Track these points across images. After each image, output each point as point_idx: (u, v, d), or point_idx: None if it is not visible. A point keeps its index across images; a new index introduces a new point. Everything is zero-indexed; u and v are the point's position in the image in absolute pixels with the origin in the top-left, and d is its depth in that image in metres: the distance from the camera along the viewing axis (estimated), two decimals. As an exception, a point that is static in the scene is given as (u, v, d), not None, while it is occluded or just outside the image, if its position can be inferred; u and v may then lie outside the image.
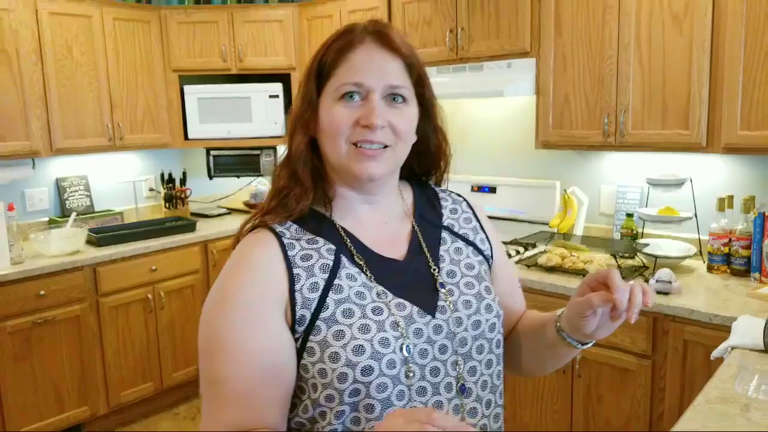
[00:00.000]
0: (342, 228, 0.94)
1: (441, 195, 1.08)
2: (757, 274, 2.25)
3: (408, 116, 0.93)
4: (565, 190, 2.84)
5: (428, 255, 0.97)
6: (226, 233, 3.51)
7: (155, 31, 3.53)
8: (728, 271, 2.34)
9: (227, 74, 3.74)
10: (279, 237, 0.90)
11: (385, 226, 0.98)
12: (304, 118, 0.93)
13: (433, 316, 0.90)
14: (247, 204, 4.11)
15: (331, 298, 0.87)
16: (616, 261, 2.42)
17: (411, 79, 0.93)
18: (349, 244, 0.93)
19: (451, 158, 1.06)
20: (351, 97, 0.89)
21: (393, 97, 0.91)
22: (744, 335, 1.69)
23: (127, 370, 3.15)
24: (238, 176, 4.07)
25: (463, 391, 0.92)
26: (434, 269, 0.96)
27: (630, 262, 2.45)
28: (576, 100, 2.55)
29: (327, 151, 0.92)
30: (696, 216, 2.50)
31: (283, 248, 0.88)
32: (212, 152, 3.94)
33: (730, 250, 2.33)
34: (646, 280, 2.24)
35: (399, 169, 0.98)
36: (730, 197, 2.36)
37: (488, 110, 3.22)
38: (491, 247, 1.06)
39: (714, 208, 2.40)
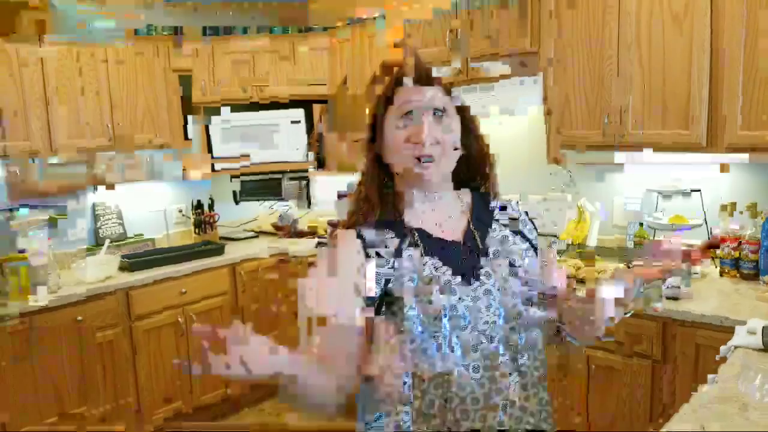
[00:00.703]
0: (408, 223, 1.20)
1: (499, 204, 1.28)
2: (766, 278, 2.26)
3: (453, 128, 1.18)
4: (578, 204, 2.88)
5: (478, 240, 1.19)
6: (253, 255, 3.64)
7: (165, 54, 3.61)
8: (738, 275, 2.35)
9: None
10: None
11: (446, 222, 1.21)
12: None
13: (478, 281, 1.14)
14: (275, 226, 4.20)
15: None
16: (629, 268, 2.44)
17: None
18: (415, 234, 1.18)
19: (495, 163, 1.27)
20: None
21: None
22: (747, 335, 1.71)
23: (158, 393, 3.26)
24: (260, 201, 4.22)
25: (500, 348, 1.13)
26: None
27: (641, 269, 2.46)
28: (576, 101, 2.58)
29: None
30: (706, 222, 2.51)
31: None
32: (239, 178, 4.12)
33: (740, 254, 2.34)
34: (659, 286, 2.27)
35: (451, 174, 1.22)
36: (733, 204, 2.39)
37: (499, 126, 3.28)
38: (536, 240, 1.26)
39: (718, 214, 2.45)
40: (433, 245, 1.17)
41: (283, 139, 3.90)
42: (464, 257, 1.17)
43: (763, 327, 1.67)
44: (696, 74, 2.25)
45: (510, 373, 1.14)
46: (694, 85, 2.26)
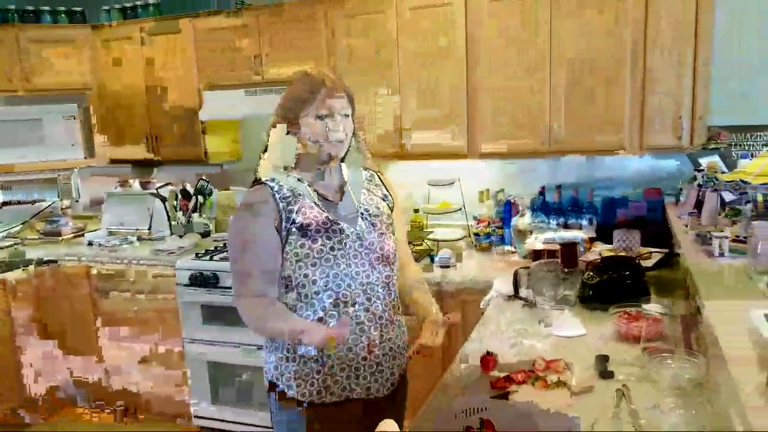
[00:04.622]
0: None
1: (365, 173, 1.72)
2: (509, 247, 2.93)
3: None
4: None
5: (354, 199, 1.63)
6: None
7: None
8: (489, 246, 3.00)
9: (14, 95, 3.58)
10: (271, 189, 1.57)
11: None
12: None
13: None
14: (42, 232, 3.87)
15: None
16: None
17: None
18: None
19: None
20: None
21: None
22: (500, 288, 2.28)
23: None
24: (33, 203, 3.90)
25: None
26: (358, 206, 1.62)
27: (419, 247, 2.98)
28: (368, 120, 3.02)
29: None
30: (464, 207, 3.13)
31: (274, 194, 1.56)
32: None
33: (490, 230, 2.98)
34: (432, 260, 2.80)
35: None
36: (487, 190, 3.03)
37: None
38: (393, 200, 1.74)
39: (477, 200, 3.06)
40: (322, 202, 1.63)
41: (56, 136, 3.68)
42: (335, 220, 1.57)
43: (515, 274, 2.22)
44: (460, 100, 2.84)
45: (369, 318, 1.55)
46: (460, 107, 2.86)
